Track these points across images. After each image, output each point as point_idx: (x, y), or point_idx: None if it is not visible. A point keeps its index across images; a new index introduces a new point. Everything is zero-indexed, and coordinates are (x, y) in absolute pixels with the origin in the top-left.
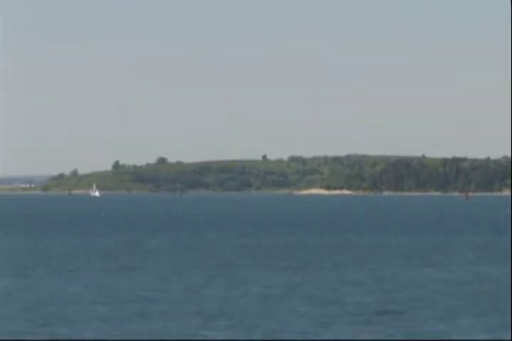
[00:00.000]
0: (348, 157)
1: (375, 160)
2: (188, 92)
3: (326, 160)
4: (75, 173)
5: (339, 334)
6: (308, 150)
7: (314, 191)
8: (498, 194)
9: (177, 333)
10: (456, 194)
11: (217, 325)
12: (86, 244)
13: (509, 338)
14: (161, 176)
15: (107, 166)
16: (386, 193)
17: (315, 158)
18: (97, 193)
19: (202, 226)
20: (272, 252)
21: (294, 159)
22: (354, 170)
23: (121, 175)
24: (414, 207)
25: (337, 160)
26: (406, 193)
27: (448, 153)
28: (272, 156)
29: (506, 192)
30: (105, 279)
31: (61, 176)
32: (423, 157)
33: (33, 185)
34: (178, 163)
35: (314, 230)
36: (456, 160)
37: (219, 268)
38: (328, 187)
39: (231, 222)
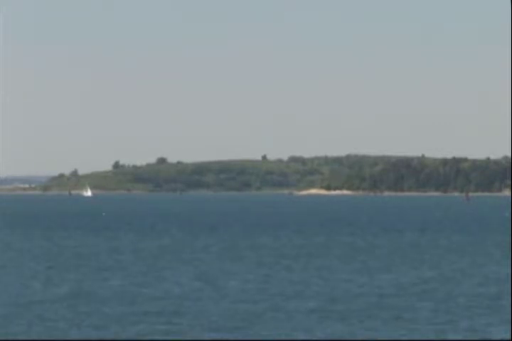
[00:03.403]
0: (348, 157)
1: (375, 160)
2: (188, 92)
3: (326, 160)
4: (75, 173)
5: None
6: (308, 150)
7: (314, 191)
8: (498, 194)
9: None
10: (456, 194)
11: None
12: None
13: (509, 338)
14: (161, 176)
15: (107, 166)
16: (386, 193)
17: (315, 158)
18: (89, 193)
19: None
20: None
21: (294, 159)
22: (354, 170)
23: (121, 175)
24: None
25: (337, 160)
26: (406, 193)
27: (448, 153)
28: (271, 156)
29: (506, 192)
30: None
31: (61, 176)
32: (423, 157)
33: (33, 185)
34: (178, 163)
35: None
36: (456, 160)
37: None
38: (328, 187)
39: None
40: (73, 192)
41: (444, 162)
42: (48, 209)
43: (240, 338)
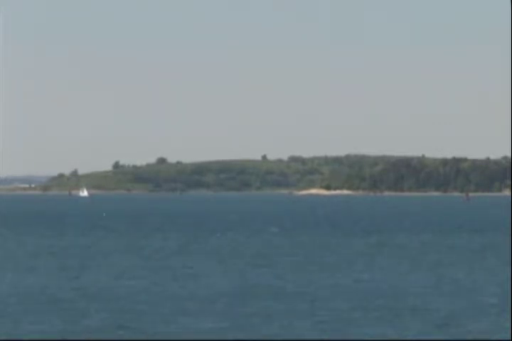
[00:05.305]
0: (348, 157)
1: (375, 160)
2: (188, 92)
3: (326, 160)
4: (75, 173)
5: None
6: (308, 150)
7: (314, 191)
8: (498, 194)
9: None
10: (456, 194)
11: None
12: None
13: (509, 338)
14: (161, 176)
15: (107, 166)
16: (386, 193)
17: (315, 158)
18: (85, 193)
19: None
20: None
21: (294, 159)
22: (354, 170)
23: (121, 175)
24: None
25: (337, 160)
26: (406, 193)
27: (448, 153)
28: (271, 156)
29: (506, 192)
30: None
31: (61, 176)
32: (423, 157)
33: (33, 185)
34: (178, 163)
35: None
36: (456, 160)
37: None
38: (328, 187)
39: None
40: (73, 192)
41: (444, 162)
42: (47, 209)
43: (243, 338)
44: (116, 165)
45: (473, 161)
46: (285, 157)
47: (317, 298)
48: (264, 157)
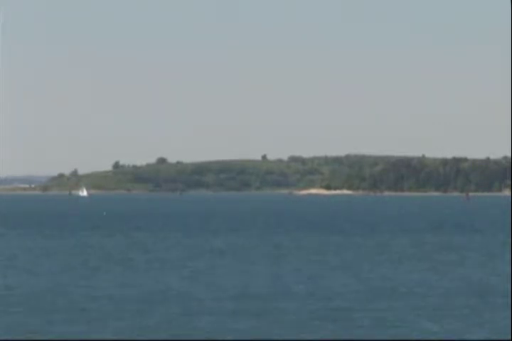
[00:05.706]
0: (348, 157)
1: (375, 160)
2: (188, 92)
3: (326, 160)
4: (75, 173)
5: None
6: (308, 150)
7: (314, 191)
8: (498, 194)
9: None
10: (456, 194)
11: None
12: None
13: (509, 338)
14: (161, 176)
15: (107, 166)
16: (386, 193)
17: (315, 158)
18: (84, 193)
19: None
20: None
21: (294, 159)
22: (354, 170)
23: (121, 175)
24: None
25: (337, 160)
26: (406, 193)
27: (448, 153)
28: (271, 156)
29: (506, 192)
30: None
31: (61, 176)
32: (423, 157)
33: (33, 185)
34: (178, 163)
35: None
36: (456, 160)
37: None
38: (328, 187)
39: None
40: (73, 192)
41: (444, 162)
42: (47, 209)
43: (242, 338)
44: (116, 165)
45: (473, 161)
46: (285, 157)
47: (317, 297)
48: (264, 157)
